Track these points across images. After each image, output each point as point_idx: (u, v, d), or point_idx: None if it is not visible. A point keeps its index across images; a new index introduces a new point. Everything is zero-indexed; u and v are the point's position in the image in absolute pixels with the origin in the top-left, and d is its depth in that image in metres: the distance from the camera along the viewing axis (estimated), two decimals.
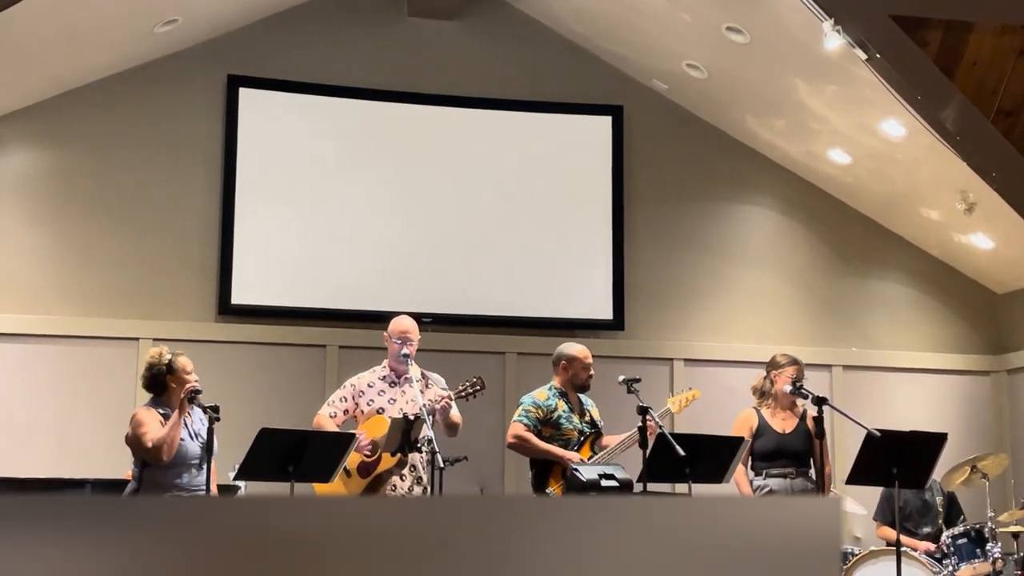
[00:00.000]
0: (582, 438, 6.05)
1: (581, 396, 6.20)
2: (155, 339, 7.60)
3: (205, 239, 7.98)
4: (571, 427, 6.04)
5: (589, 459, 5.92)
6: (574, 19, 8.46)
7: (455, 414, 5.85)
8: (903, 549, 5.97)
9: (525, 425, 6.00)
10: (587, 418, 6.14)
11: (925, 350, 9.00)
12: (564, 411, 6.06)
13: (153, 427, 5.09)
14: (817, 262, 8.95)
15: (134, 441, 5.13)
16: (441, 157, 8.41)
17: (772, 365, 6.30)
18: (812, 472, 6.21)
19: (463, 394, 5.84)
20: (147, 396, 5.38)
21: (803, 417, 6.22)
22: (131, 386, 7.58)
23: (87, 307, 7.75)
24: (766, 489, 6.17)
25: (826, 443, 6.10)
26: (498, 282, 8.34)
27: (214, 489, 5.36)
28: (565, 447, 5.96)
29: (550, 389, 6.14)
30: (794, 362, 6.27)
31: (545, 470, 5.93)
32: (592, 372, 6.14)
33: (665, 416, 6.22)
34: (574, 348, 6.23)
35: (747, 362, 8.38)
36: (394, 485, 5.75)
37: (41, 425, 7.54)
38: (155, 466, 5.10)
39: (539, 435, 6.00)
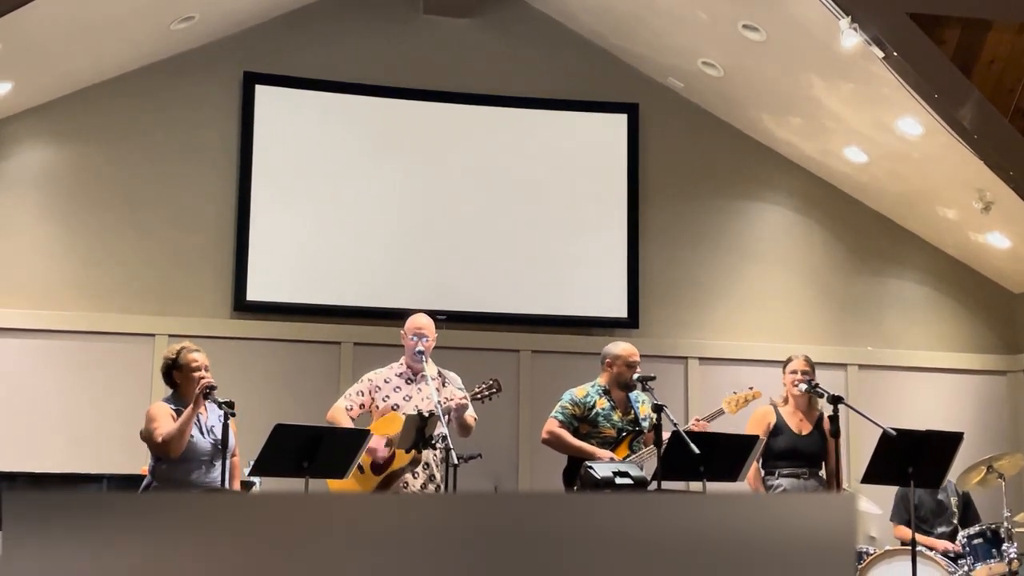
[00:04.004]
0: (621, 436, 6.01)
1: (631, 394, 6.09)
2: (170, 335, 7.63)
3: (221, 236, 7.99)
4: (609, 426, 6.00)
5: (626, 458, 5.84)
6: (590, 17, 8.45)
7: (470, 415, 5.83)
8: (919, 549, 5.94)
9: (559, 422, 6.01)
10: (631, 416, 6.05)
11: (941, 349, 8.96)
12: (604, 409, 6.01)
13: (163, 422, 5.12)
14: (832, 261, 8.91)
15: (146, 436, 5.17)
16: (456, 154, 8.41)
17: (785, 364, 6.32)
18: (823, 473, 6.20)
19: (478, 396, 5.81)
20: (164, 391, 5.43)
21: (819, 421, 6.19)
22: (146, 382, 7.61)
23: (103, 303, 7.77)
24: (779, 489, 6.16)
25: (839, 443, 6.08)
26: (512, 280, 8.34)
27: (236, 485, 5.39)
28: (602, 446, 5.93)
29: (593, 386, 6.10)
30: (793, 358, 6.26)
31: (577, 466, 5.85)
32: (638, 370, 5.98)
33: (716, 416, 6.16)
34: (619, 347, 6.15)
35: (761, 361, 8.36)
36: (406, 482, 5.75)
37: (56, 421, 7.56)
38: (166, 462, 5.13)
39: (575, 432, 5.97)
